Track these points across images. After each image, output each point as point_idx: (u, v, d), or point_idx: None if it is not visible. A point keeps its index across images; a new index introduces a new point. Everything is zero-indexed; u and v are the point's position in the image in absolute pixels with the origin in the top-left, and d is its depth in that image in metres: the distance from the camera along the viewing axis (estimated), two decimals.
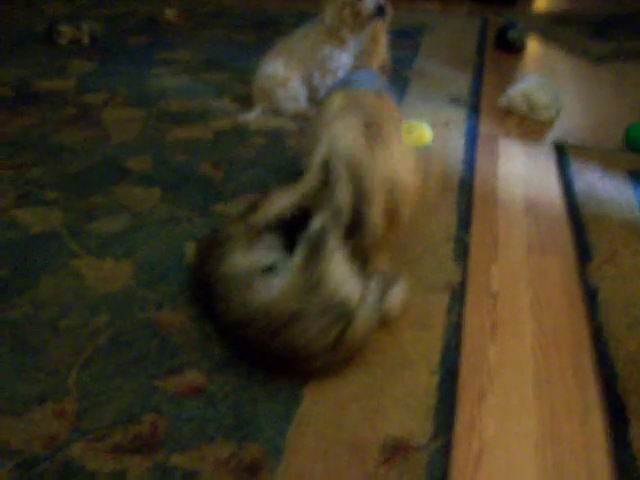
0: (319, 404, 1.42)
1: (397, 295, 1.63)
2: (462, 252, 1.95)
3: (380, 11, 2.59)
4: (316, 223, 1.52)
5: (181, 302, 1.71)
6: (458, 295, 1.78)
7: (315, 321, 1.40)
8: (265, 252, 1.59)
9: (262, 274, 1.51)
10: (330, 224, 1.51)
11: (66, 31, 3.60)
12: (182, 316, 1.66)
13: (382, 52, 2.22)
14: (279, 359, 1.44)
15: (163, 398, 1.43)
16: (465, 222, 2.10)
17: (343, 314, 1.42)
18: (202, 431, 1.36)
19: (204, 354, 1.55)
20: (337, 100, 1.88)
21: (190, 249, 1.91)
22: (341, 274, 1.48)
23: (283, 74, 2.75)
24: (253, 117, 2.77)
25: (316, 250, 1.47)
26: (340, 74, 2.75)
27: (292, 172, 2.30)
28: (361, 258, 1.64)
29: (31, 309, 1.68)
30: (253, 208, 1.68)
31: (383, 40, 2.23)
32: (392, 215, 1.63)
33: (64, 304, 1.71)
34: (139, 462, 1.30)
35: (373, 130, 1.68)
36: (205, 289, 1.58)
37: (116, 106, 2.88)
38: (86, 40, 3.65)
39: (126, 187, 2.24)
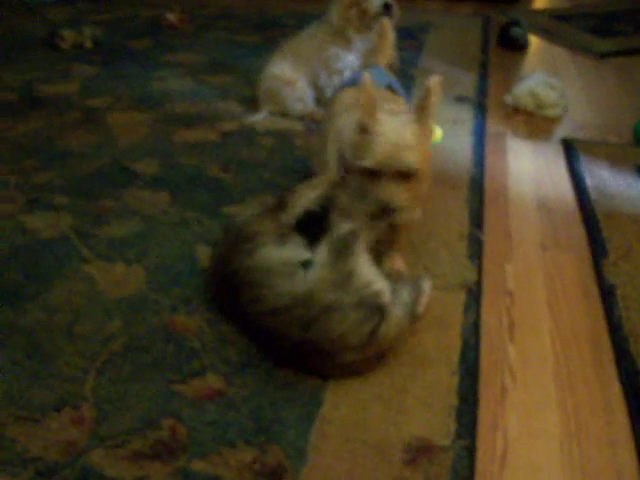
0: (341, 405, 1.41)
1: (425, 295, 1.63)
2: (476, 250, 1.94)
3: (387, 10, 2.58)
4: (344, 225, 1.51)
5: (196, 305, 1.70)
6: (474, 293, 1.76)
7: (351, 313, 1.40)
8: (298, 248, 1.60)
9: (301, 267, 1.51)
10: (358, 229, 1.51)
11: (68, 36, 3.59)
12: (198, 320, 1.65)
13: (389, 50, 2.21)
14: (312, 348, 1.43)
15: (182, 403, 1.42)
16: (478, 220, 2.09)
17: (377, 308, 1.43)
18: (223, 435, 1.34)
19: (221, 358, 1.53)
20: (347, 96, 1.87)
21: (202, 252, 1.89)
22: (370, 272, 1.48)
23: (290, 75, 2.73)
24: (260, 119, 2.76)
25: (344, 249, 1.47)
26: (347, 74, 2.74)
27: (302, 172, 2.28)
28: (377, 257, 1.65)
29: (44, 315, 1.67)
30: (281, 205, 1.68)
31: (391, 38, 2.22)
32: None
33: (77, 309, 1.69)
34: (160, 468, 1.28)
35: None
36: (230, 281, 1.57)
37: (121, 109, 2.87)
38: (88, 44, 3.64)
39: (135, 190, 2.23)
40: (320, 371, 1.47)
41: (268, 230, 1.61)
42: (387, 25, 2.22)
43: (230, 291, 1.57)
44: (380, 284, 1.48)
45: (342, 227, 1.52)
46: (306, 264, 1.53)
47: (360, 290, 1.43)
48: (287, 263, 1.53)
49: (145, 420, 1.38)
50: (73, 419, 1.38)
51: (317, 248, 1.54)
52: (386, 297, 1.46)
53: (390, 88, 1.93)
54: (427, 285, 1.68)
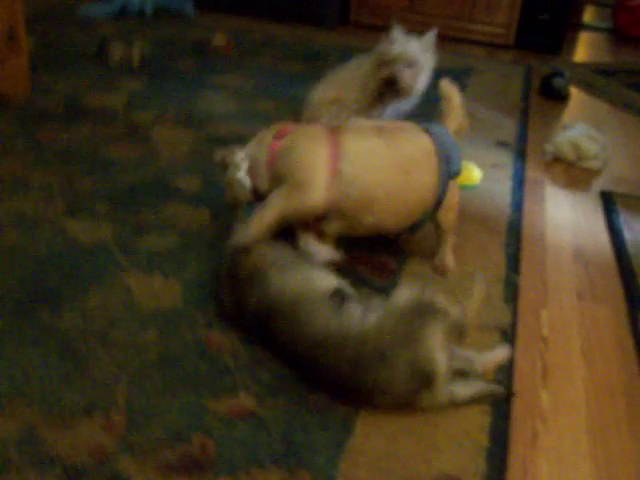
0: (372, 436, 1.40)
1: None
2: (512, 294, 1.93)
3: (389, 85, 2.56)
4: (453, 308, 1.48)
5: (231, 324, 1.70)
6: (509, 336, 1.75)
7: (401, 366, 1.38)
8: (319, 272, 1.63)
9: (340, 300, 1.51)
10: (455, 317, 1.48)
11: (117, 50, 3.65)
12: (232, 338, 1.65)
13: (458, 114, 1.99)
14: (350, 383, 1.42)
15: (213, 419, 1.41)
16: (515, 264, 2.08)
17: (427, 374, 1.39)
18: (252, 455, 1.33)
19: (254, 378, 1.53)
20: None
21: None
22: (439, 347, 1.42)
23: (337, 104, 2.74)
24: None
25: (429, 317, 1.42)
26: (388, 111, 2.75)
27: None
28: None
29: (80, 319, 1.68)
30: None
31: (457, 101, 1.99)
32: None
33: (113, 317, 1.70)
34: None
35: None
36: (258, 317, 1.59)
37: (165, 125, 2.91)
38: (136, 60, 3.70)
39: (175, 205, 2.25)
40: (351, 401, 1.47)
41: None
42: (449, 86, 2.01)
43: (262, 324, 1.59)
44: (442, 357, 1.41)
45: (450, 307, 1.47)
46: (337, 294, 1.53)
47: (421, 354, 1.39)
48: (315, 294, 1.53)
49: (175, 432, 1.38)
50: (103, 424, 1.38)
51: (397, 290, 1.52)
52: (441, 370, 1.40)
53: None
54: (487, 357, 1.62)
